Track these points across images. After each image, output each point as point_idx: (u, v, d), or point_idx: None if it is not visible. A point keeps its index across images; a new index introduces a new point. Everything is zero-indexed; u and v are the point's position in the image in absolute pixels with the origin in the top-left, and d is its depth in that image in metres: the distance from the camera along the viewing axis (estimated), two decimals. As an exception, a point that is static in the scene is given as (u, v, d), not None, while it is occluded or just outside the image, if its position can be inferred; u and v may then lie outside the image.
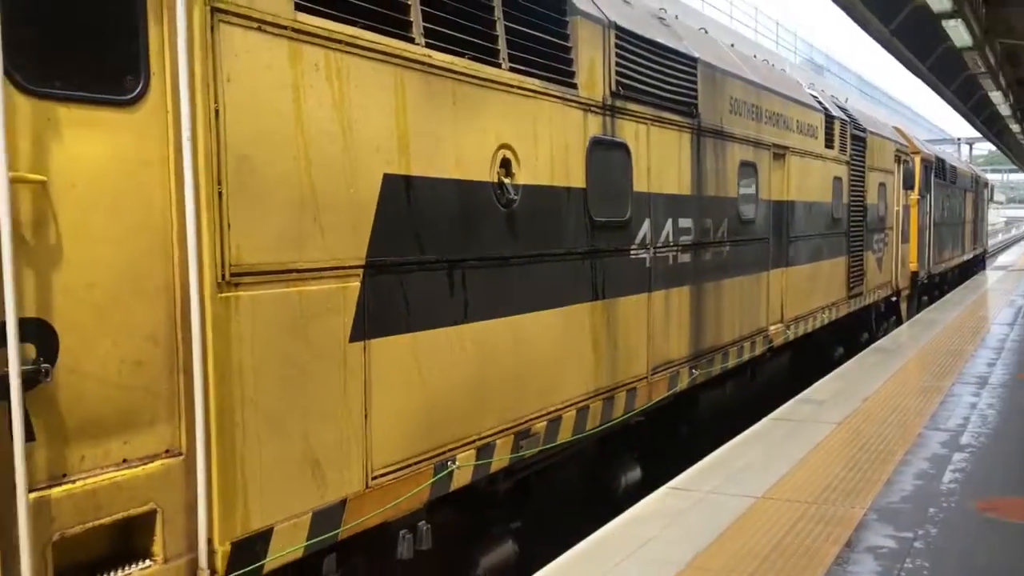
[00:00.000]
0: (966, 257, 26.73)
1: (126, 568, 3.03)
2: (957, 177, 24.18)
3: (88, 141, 2.92)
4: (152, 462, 3.12)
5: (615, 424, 6.24)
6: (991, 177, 48.55)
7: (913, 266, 17.60)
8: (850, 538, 4.93)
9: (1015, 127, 23.44)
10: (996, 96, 17.31)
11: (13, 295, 2.66)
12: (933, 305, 17.98)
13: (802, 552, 4.76)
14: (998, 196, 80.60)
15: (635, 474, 6.76)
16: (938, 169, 20.68)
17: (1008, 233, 79.14)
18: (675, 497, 5.69)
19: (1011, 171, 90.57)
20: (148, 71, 3.10)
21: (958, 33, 11.10)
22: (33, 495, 2.74)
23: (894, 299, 16.14)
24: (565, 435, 5.61)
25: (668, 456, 7.26)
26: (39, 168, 2.79)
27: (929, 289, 20.28)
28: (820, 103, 11.51)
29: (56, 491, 2.83)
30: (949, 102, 18.54)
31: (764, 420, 7.84)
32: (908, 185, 16.78)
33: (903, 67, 14.24)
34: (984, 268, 30.86)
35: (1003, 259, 36.65)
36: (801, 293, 10.41)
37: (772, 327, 9.45)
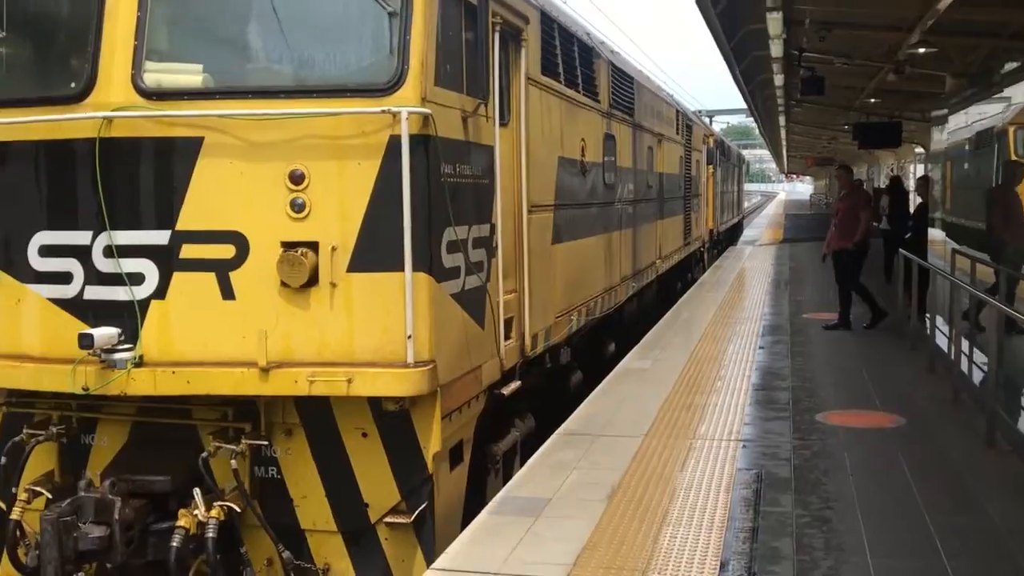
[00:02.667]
0: (735, 220, 32.87)
1: (506, 341, 6.46)
2: (730, 155, 29.97)
3: (502, 139, 6.31)
4: (510, 294, 6.58)
5: (612, 308, 10.12)
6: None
7: (710, 224, 22.70)
8: None
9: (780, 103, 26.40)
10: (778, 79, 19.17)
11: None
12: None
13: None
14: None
15: (612, 345, 10.66)
16: (722, 148, 26.09)
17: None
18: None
19: (745, 146, 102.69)
20: (510, 111, 6.52)
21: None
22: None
23: (702, 249, 21.08)
24: (597, 311, 9.40)
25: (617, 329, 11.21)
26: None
27: (716, 243, 25.65)
28: (673, 101, 15.84)
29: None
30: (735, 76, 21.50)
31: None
32: (709, 161, 21.76)
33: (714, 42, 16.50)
34: (741, 230, 37.40)
35: (748, 233, 37.32)
36: (667, 239, 14.70)
37: (657, 261, 13.64)
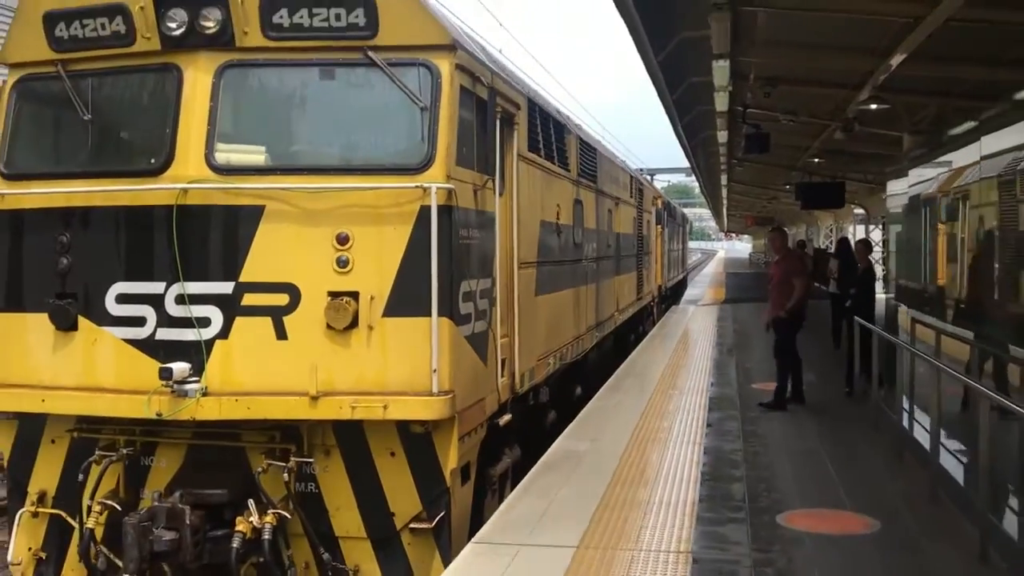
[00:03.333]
0: (680, 277, 34.51)
1: (501, 378, 7.52)
2: (676, 215, 31.66)
3: (500, 207, 7.45)
4: (504, 338, 7.67)
5: (581, 354, 11.26)
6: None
7: (659, 280, 24.12)
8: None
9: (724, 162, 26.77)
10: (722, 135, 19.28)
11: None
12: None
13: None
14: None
15: (579, 388, 11.77)
16: (668, 209, 27.69)
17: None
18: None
19: (685, 204, 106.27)
20: (504, 182, 7.69)
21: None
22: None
23: (652, 303, 22.45)
24: (568, 356, 10.53)
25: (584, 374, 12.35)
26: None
27: (664, 299, 27.08)
28: (627, 167, 17.26)
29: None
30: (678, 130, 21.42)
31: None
32: (658, 221, 23.25)
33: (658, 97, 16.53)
34: (686, 286, 39.06)
35: (690, 292, 36.04)
36: (623, 293, 15.97)
37: (616, 313, 14.88)
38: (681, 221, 35.65)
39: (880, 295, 18.84)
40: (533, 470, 7.92)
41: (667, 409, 10.56)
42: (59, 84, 6.53)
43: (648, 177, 36.83)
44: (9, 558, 6.69)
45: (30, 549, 6.70)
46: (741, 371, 13.70)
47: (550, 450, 8.47)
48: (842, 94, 13.54)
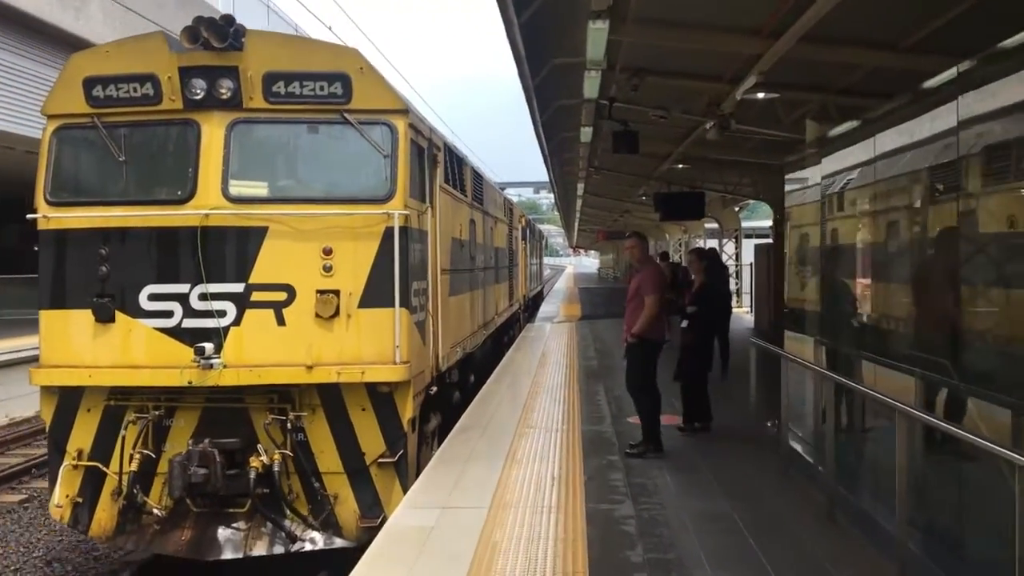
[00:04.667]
0: (539, 288, 37.56)
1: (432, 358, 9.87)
2: (535, 232, 34.68)
3: (429, 225, 9.81)
4: (432, 327, 10.02)
5: (474, 348, 13.69)
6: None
7: (524, 290, 26.90)
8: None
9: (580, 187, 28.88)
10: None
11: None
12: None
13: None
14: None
15: (472, 376, 14.17)
16: (530, 227, 30.59)
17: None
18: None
19: (536, 221, 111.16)
20: (434, 201, 10.04)
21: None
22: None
23: (519, 310, 25.16)
24: (468, 348, 12.94)
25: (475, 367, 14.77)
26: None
27: (527, 307, 29.91)
28: (502, 191, 19.91)
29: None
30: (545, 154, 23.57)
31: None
32: (523, 238, 26.04)
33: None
34: (543, 297, 42.13)
35: (544, 308, 33.75)
36: (500, 299, 18.54)
37: (495, 316, 17.41)
38: (539, 238, 38.79)
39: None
40: (452, 431, 10.28)
41: (533, 451, 9.25)
42: (94, 132, 8.46)
43: (500, 189, 39.82)
44: (53, 502, 8.50)
45: (68, 496, 8.53)
46: (611, 400, 12.24)
47: (388, 524, 7.14)
48: (718, 88, 12.67)
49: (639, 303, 9.31)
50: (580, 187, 28.35)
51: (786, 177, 11.89)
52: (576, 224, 55.48)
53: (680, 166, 20.80)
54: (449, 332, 11.13)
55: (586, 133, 16.10)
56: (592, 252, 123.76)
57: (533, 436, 10.08)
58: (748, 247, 33.60)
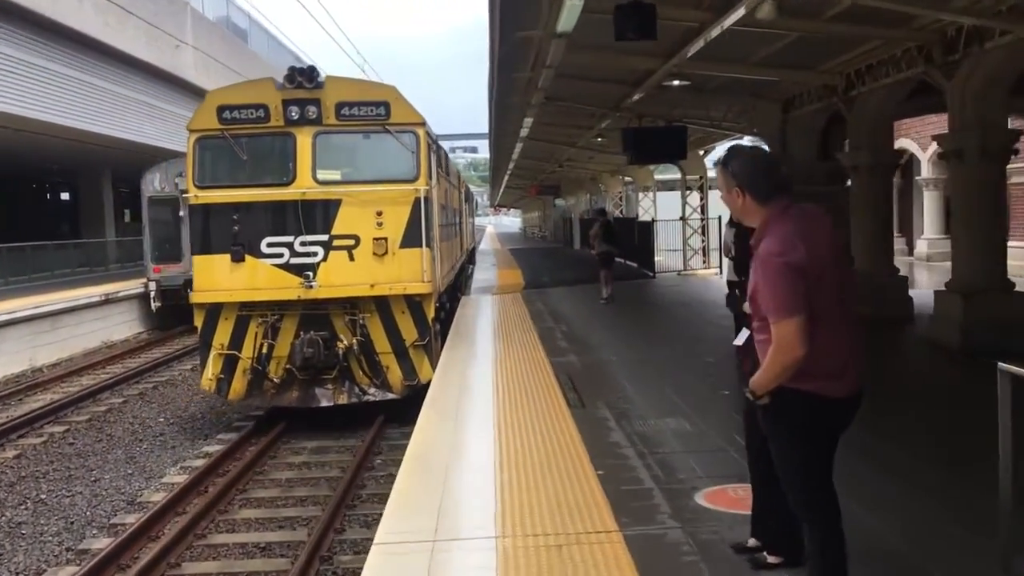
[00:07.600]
0: (473, 244, 42.83)
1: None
2: (470, 195, 39.81)
3: (434, 196, 14.84)
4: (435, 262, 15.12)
5: (453, 278, 18.83)
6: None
7: (469, 242, 32.07)
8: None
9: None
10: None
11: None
12: None
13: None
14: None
15: (448, 303, 19.26)
16: (467, 191, 35.71)
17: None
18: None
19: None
20: (436, 180, 15.08)
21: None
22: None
23: (468, 259, 30.34)
24: (451, 278, 18.03)
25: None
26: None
27: (469, 258, 35.08)
28: (458, 166, 24.96)
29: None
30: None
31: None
32: (466, 200, 31.16)
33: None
34: (475, 257, 47.17)
35: (478, 275, 28.68)
36: (459, 246, 23.64)
37: (457, 259, 22.52)
38: (471, 199, 43.89)
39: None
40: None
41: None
42: (223, 141, 13.21)
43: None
44: (205, 377, 13.37)
45: (214, 374, 13.39)
46: (635, 438, 7.87)
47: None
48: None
49: (764, 324, 4.06)
50: (525, 126, 21.75)
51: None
52: (505, 179, 54.35)
53: (676, 83, 16.06)
54: (444, 266, 16.22)
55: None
56: (512, 211, 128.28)
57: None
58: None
